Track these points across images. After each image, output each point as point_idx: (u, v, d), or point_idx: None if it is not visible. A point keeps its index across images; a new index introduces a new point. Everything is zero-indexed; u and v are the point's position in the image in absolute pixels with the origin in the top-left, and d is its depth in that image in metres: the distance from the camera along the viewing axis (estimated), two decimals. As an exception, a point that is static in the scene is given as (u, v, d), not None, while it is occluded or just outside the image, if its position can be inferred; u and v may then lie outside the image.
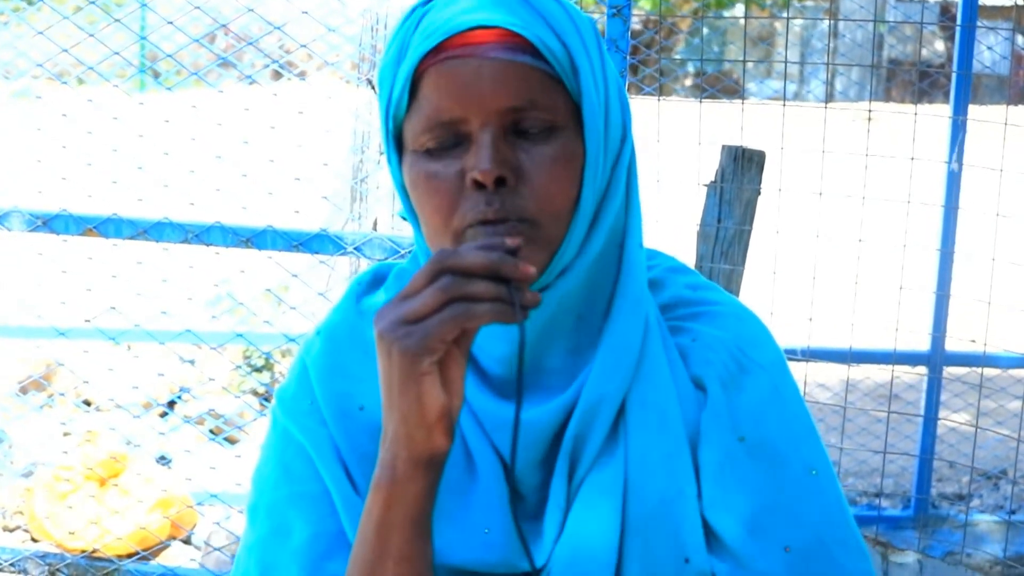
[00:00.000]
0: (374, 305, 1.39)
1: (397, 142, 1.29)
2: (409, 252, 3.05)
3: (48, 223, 3.21)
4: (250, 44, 3.28)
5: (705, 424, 1.30)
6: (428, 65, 1.24)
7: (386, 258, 3.13)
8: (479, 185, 1.22)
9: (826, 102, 3.75)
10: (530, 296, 1.14)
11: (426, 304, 1.14)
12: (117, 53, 2.99)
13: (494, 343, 1.27)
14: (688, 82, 15.56)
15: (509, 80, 1.22)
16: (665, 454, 1.29)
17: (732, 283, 3.21)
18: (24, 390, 5.47)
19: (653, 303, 1.34)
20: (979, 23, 4.61)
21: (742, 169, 3.22)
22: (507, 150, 1.23)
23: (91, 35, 2.96)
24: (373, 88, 4.08)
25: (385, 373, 1.17)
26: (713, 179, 3.23)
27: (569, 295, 1.27)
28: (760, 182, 3.23)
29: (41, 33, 3.09)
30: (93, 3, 3.03)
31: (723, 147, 3.24)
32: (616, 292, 1.30)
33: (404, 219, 1.35)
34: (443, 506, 1.29)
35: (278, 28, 2.99)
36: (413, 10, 1.29)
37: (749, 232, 3.22)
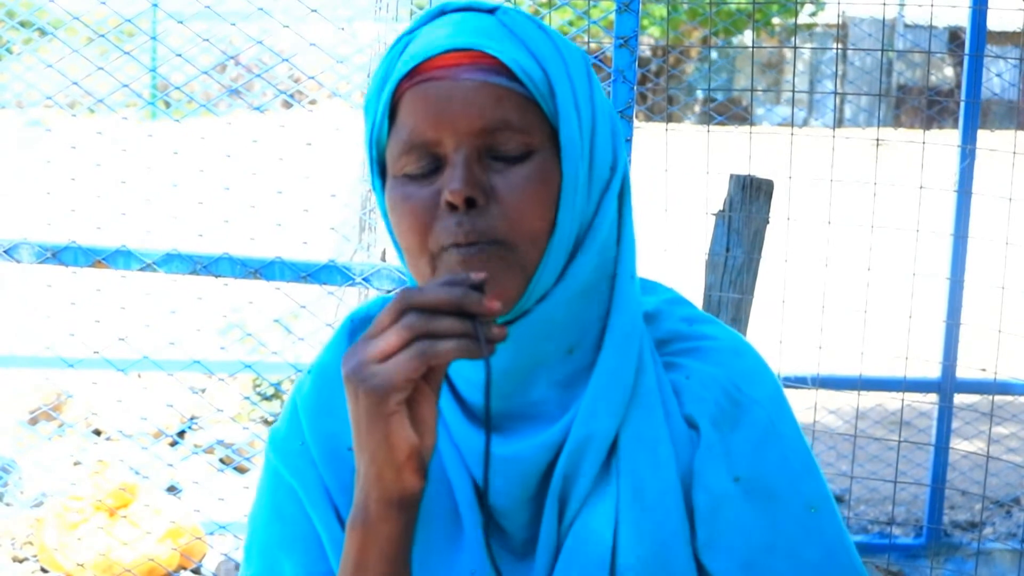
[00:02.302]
0: None
1: (381, 169, 1.30)
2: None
3: (57, 255, 3.22)
4: (259, 76, 3.30)
5: (698, 465, 1.28)
6: (405, 89, 1.25)
7: (393, 288, 3.13)
8: (452, 206, 1.22)
9: (835, 128, 3.75)
10: (496, 331, 1.13)
11: (390, 343, 1.13)
12: (126, 86, 3.00)
13: (470, 368, 1.26)
14: (697, 109, 15.57)
15: (481, 101, 1.23)
16: (658, 495, 1.26)
17: (741, 312, 3.21)
18: (34, 420, 5.48)
19: (648, 337, 1.32)
20: (988, 50, 4.62)
21: (750, 198, 3.22)
22: (480, 172, 1.23)
23: (100, 67, 2.97)
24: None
25: (353, 414, 1.16)
26: (721, 208, 3.23)
27: (552, 324, 1.25)
28: (768, 211, 3.23)
29: (51, 66, 3.10)
30: (104, 36, 3.05)
31: (731, 176, 3.24)
32: (608, 325, 1.28)
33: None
34: (429, 546, 1.27)
35: (286, 60, 3.01)
36: (399, 39, 1.30)
37: (758, 261, 3.22)
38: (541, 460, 1.26)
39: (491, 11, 1.28)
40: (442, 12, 1.29)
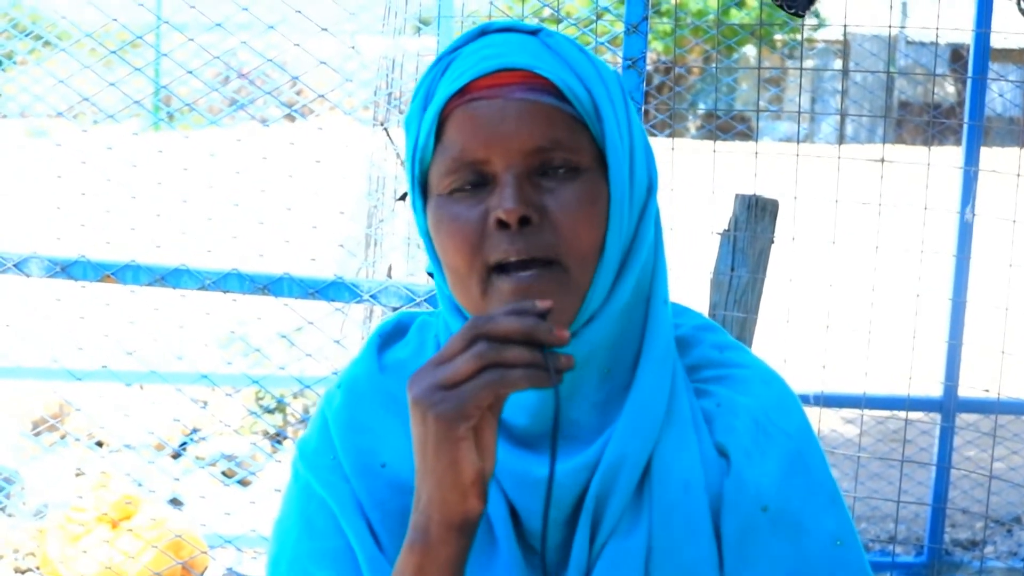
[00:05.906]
0: (396, 359, 1.38)
1: (423, 189, 1.29)
2: (425, 301, 3.07)
3: (66, 269, 3.23)
4: (268, 94, 3.32)
5: (727, 492, 1.28)
6: (454, 107, 1.25)
7: (401, 306, 3.14)
8: (502, 225, 1.22)
9: (840, 144, 3.77)
10: (564, 360, 1.14)
11: (461, 371, 1.14)
12: (138, 102, 3.02)
13: (520, 392, 1.24)
14: (699, 123, 15.59)
15: (533, 120, 1.23)
16: (688, 521, 1.27)
17: (745, 331, 3.22)
18: (37, 432, 5.49)
19: (680, 363, 1.33)
20: (990, 68, 4.64)
21: (755, 218, 3.23)
22: (531, 191, 1.23)
23: (112, 84, 2.99)
24: (387, 133, 4.10)
25: (420, 438, 1.16)
26: (726, 227, 3.24)
27: (597, 345, 1.26)
28: (773, 231, 3.24)
29: (62, 82, 3.12)
30: (115, 52, 3.06)
31: (736, 196, 3.24)
32: (643, 348, 1.29)
33: (429, 274, 1.35)
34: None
35: (295, 78, 3.03)
36: (440, 59, 1.30)
37: (762, 280, 3.23)
38: (578, 482, 1.27)
39: (533, 32, 1.29)
40: (484, 32, 1.29)
